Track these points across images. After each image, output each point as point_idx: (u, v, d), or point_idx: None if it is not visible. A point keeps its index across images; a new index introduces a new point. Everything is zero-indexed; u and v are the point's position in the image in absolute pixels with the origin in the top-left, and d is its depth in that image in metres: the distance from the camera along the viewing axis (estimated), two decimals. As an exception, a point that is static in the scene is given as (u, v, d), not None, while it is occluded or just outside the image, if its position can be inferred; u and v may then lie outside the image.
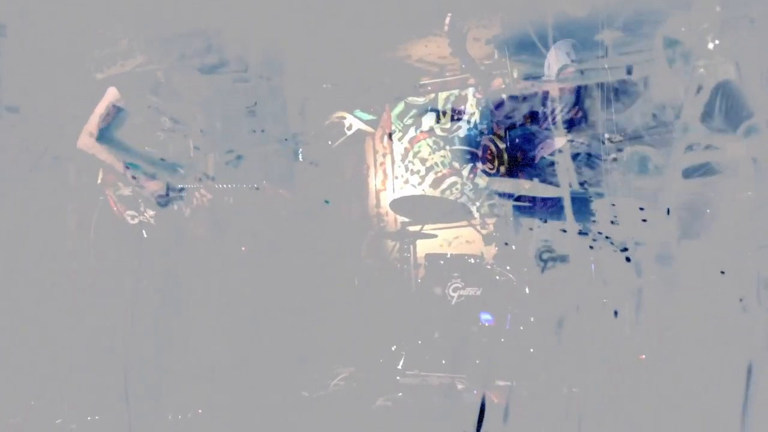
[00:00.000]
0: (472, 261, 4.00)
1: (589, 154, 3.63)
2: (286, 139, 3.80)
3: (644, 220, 3.17)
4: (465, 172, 4.81)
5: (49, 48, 3.84)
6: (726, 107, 3.25)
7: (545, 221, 3.87)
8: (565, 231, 3.34)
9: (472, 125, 4.81)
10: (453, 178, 4.85)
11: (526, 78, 4.02)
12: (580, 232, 3.32)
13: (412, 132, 4.94)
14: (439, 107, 4.88)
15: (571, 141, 3.68)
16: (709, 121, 3.27)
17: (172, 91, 3.54)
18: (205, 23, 3.64)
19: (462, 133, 4.85)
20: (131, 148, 3.47)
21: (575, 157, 3.66)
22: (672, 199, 3.21)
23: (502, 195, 4.09)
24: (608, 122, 3.58)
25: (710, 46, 3.46)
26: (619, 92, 3.65)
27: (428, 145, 4.92)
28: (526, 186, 3.76)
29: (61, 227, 3.89)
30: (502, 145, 4.53)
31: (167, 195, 3.44)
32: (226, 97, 3.61)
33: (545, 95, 3.89)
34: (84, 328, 3.47)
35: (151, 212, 3.49)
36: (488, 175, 4.65)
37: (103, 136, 3.46)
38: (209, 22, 3.64)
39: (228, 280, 3.64)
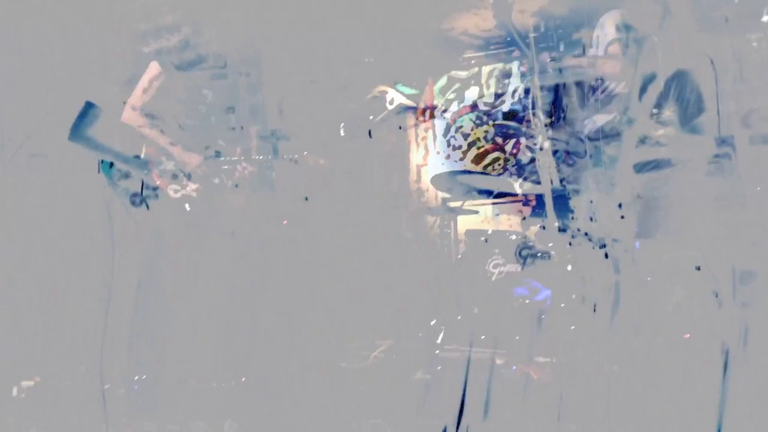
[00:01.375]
0: (513, 237, 3.97)
1: (567, 152, 3.60)
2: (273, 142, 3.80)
3: (622, 217, 3.17)
4: (508, 148, 4.75)
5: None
6: (680, 99, 3.17)
7: (524, 218, 3.88)
8: (544, 228, 3.35)
9: (516, 100, 4.74)
10: (496, 154, 4.79)
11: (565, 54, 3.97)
12: (560, 229, 3.32)
13: (454, 106, 4.90)
14: (483, 81, 4.82)
15: (615, 118, 3.63)
16: (660, 113, 3.21)
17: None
18: (181, 18, 3.64)
19: (506, 107, 4.78)
20: (103, 145, 3.49)
21: (554, 154, 3.64)
22: (625, 194, 3.19)
23: (481, 192, 4.09)
24: (586, 120, 3.54)
25: (765, 18, 3.34)
26: (596, 90, 3.59)
27: (471, 119, 4.87)
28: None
29: (102, 200, 3.97)
30: (547, 120, 4.47)
31: (141, 194, 3.47)
32: (205, 93, 3.62)
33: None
34: (130, 295, 3.56)
35: (194, 186, 3.54)
36: (531, 151, 4.60)
37: (74, 134, 3.49)
38: (186, 16, 3.63)
39: (269, 252, 3.69)
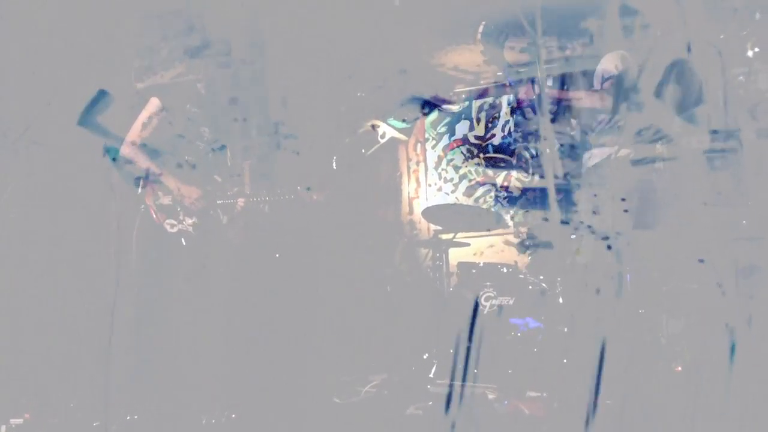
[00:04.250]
0: (505, 270, 3.98)
1: (572, 146, 3.60)
2: (276, 133, 3.80)
3: (626, 211, 3.17)
4: (499, 180, 4.80)
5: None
6: (678, 88, 3.18)
7: (527, 211, 3.87)
8: (547, 220, 3.34)
9: (506, 133, 4.79)
10: (486, 186, 4.83)
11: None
12: (562, 222, 3.31)
13: (445, 140, 4.95)
14: (473, 115, 4.87)
15: (613, 153, 3.66)
16: (661, 100, 3.20)
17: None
18: (186, 1, 3.65)
19: (496, 140, 4.83)
20: (111, 133, 3.52)
21: (558, 148, 3.63)
22: (622, 187, 3.18)
23: (483, 185, 4.09)
24: (592, 111, 3.55)
25: (750, 53, 3.39)
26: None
27: (462, 152, 4.92)
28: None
29: (102, 233, 3.97)
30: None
31: (147, 177, 3.50)
32: (209, 84, 3.64)
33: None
34: (121, 331, 3.54)
35: (190, 221, 3.55)
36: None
37: (85, 119, 3.52)
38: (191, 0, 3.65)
39: (262, 285, 3.69)
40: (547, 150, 3.53)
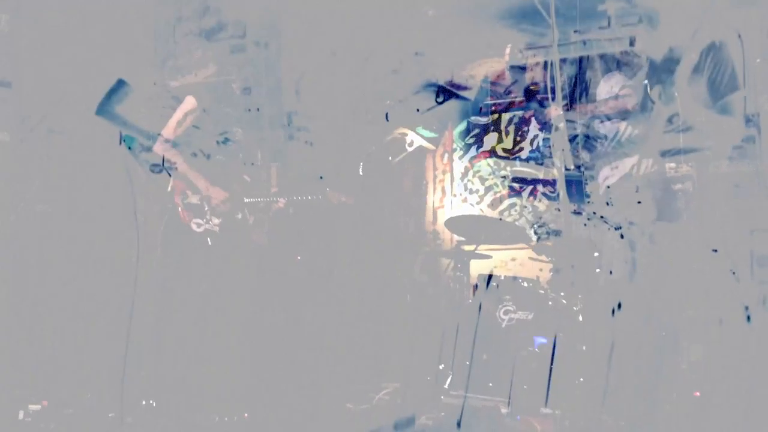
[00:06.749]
0: (526, 285, 3.95)
1: (587, 136, 3.55)
2: (288, 124, 3.81)
3: (639, 202, 3.13)
4: (525, 194, 4.76)
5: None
6: (713, 73, 3.11)
7: (539, 201, 3.86)
8: (559, 210, 3.31)
9: (534, 147, 4.76)
10: (512, 200, 4.80)
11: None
12: (574, 212, 3.27)
13: (473, 151, 4.93)
14: (502, 128, 4.85)
15: (639, 164, 3.60)
16: (695, 86, 3.15)
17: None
18: None
19: (524, 154, 4.80)
20: (129, 122, 3.57)
21: (573, 139, 3.57)
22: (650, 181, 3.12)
23: (504, 179, 4.07)
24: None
25: None
26: (621, 64, 3.54)
27: (489, 165, 4.89)
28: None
29: (126, 227, 4.02)
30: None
31: (162, 165, 3.55)
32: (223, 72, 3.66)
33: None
34: (140, 328, 3.59)
35: (216, 220, 3.59)
36: (548, 198, 4.59)
37: (102, 109, 3.57)
38: None
39: (281, 289, 3.71)
40: (558, 142, 3.48)
